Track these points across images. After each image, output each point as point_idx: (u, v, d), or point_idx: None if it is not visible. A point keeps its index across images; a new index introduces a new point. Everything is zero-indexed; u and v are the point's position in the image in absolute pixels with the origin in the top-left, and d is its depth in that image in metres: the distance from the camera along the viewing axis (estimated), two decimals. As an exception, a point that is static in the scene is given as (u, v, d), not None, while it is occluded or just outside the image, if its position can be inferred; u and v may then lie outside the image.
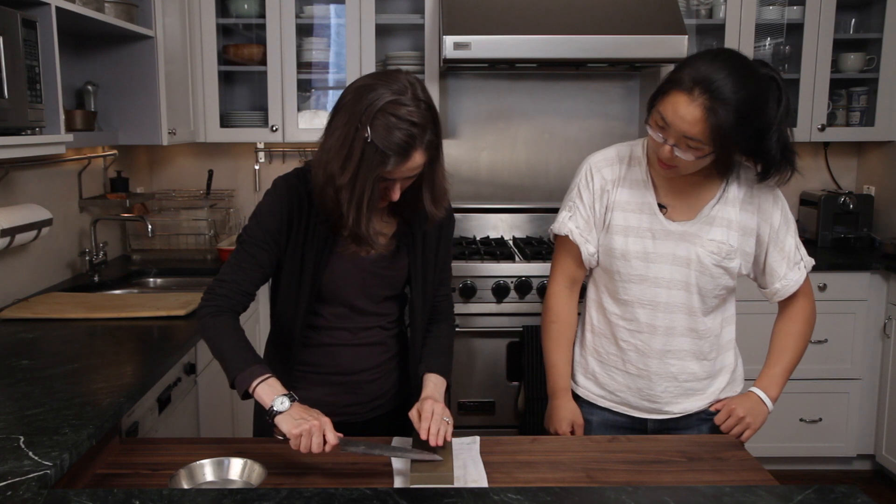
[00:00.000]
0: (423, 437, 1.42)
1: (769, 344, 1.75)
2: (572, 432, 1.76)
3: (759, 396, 1.70)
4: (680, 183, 1.65)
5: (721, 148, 1.49)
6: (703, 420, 1.74)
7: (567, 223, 1.71)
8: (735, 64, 1.47)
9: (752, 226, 1.65)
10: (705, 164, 1.54)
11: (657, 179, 1.67)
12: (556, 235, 1.76)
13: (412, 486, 1.32)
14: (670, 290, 1.65)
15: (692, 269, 1.64)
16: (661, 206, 1.66)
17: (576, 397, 1.80)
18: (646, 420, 1.75)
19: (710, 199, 1.65)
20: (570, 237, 1.71)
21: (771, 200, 1.66)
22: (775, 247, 1.66)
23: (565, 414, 1.76)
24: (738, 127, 1.46)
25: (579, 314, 1.83)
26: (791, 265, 1.67)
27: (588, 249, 1.71)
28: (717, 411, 1.73)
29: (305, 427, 1.33)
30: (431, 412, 1.45)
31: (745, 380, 1.80)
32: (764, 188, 1.65)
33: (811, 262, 1.71)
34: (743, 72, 1.47)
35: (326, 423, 1.36)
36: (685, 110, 1.46)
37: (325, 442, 1.34)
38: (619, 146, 1.73)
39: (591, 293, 1.79)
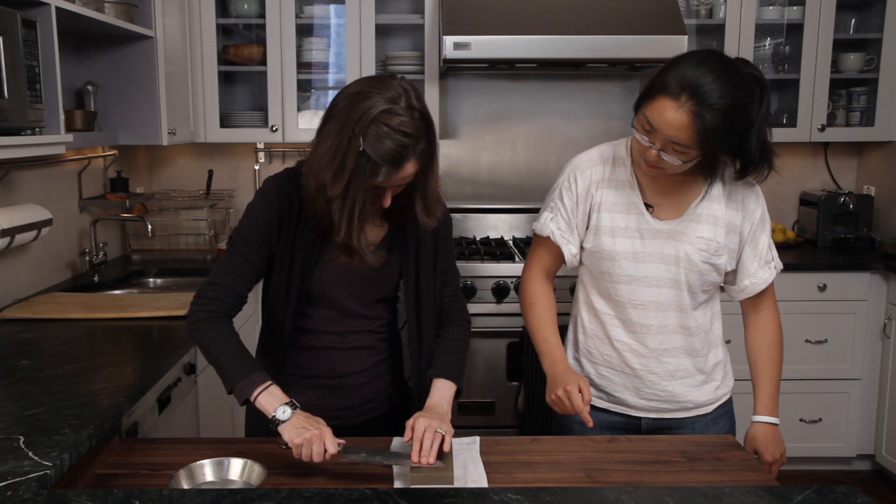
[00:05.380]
0: (415, 459, 1.38)
1: (750, 362, 1.76)
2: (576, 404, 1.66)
3: (767, 423, 1.72)
4: (665, 182, 1.65)
5: (707, 151, 1.49)
6: (696, 419, 1.74)
7: (549, 224, 1.73)
8: (721, 68, 1.46)
9: (736, 223, 1.65)
10: (690, 166, 1.55)
11: (642, 179, 1.67)
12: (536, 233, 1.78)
13: (412, 487, 1.32)
14: (660, 288, 1.66)
15: (681, 266, 1.64)
16: (647, 206, 1.66)
17: None
18: (640, 419, 1.75)
19: (695, 197, 1.65)
20: (552, 238, 1.72)
21: (753, 198, 1.67)
22: (750, 244, 1.67)
23: (571, 376, 1.63)
24: (724, 131, 1.46)
25: (568, 314, 1.85)
26: (762, 263, 1.68)
27: (570, 250, 1.72)
28: (711, 412, 1.75)
29: (306, 436, 1.34)
30: (423, 430, 1.41)
31: (736, 379, 1.82)
32: (746, 185, 1.66)
33: (781, 265, 1.72)
34: (729, 76, 1.46)
35: (327, 432, 1.36)
36: (672, 116, 1.46)
37: (325, 451, 1.35)
38: (603, 147, 1.73)
39: (580, 294, 1.79)
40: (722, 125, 1.45)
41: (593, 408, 1.77)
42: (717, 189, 1.64)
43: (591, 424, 1.56)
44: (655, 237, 1.65)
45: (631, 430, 1.76)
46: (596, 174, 1.69)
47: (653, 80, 1.52)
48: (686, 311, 1.67)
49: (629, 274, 1.66)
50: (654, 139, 1.51)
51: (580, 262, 1.75)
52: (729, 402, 1.79)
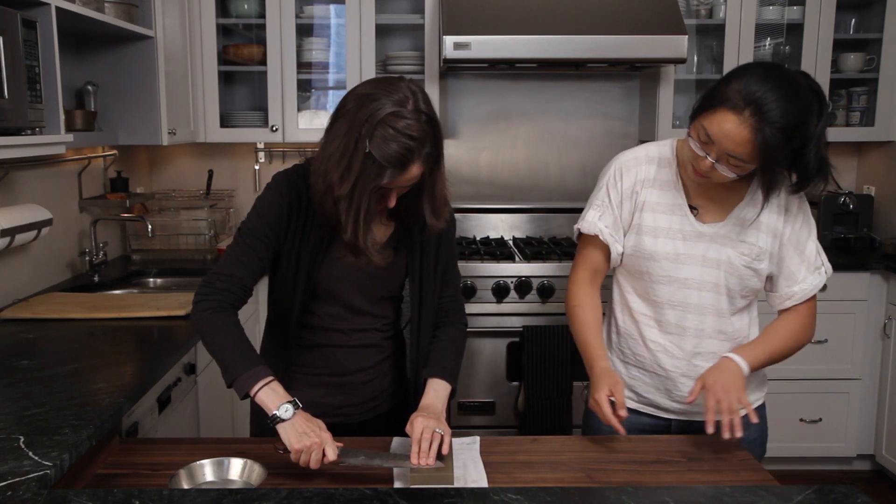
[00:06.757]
0: (414, 461, 1.39)
1: (762, 330, 1.69)
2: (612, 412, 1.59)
3: (732, 360, 1.58)
4: (710, 185, 1.63)
5: (764, 166, 1.49)
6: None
7: (597, 223, 1.69)
8: (785, 84, 1.45)
9: (778, 227, 1.64)
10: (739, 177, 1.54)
11: (687, 181, 1.66)
12: (581, 233, 1.74)
13: (412, 487, 1.32)
14: (700, 291, 1.65)
15: (722, 270, 1.63)
16: (691, 208, 1.65)
17: None
18: (670, 420, 1.74)
19: (739, 201, 1.64)
20: (601, 237, 1.69)
21: (796, 203, 1.65)
22: (796, 249, 1.65)
23: (603, 379, 1.60)
24: (782, 148, 1.46)
25: (604, 314, 1.83)
26: (811, 269, 1.66)
27: (617, 249, 1.70)
28: (742, 417, 1.71)
29: (307, 444, 1.34)
30: (421, 431, 1.41)
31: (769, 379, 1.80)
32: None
33: (830, 269, 1.69)
34: (791, 92, 1.45)
35: (327, 439, 1.36)
36: (734, 130, 1.45)
37: (324, 455, 1.35)
38: (648, 146, 1.72)
39: (615, 295, 1.78)
40: (782, 142, 1.44)
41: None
42: (762, 194, 1.62)
43: (622, 432, 1.55)
44: (698, 240, 1.64)
45: (660, 431, 1.75)
46: (641, 173, 1.68)
47: (714, 90, 1.50)
48: (724, 316, 1.66)
49: (669, 275, 1.65)
50: (710, 150, 1.50)
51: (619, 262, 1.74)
52: (761, 408, 1.77)
